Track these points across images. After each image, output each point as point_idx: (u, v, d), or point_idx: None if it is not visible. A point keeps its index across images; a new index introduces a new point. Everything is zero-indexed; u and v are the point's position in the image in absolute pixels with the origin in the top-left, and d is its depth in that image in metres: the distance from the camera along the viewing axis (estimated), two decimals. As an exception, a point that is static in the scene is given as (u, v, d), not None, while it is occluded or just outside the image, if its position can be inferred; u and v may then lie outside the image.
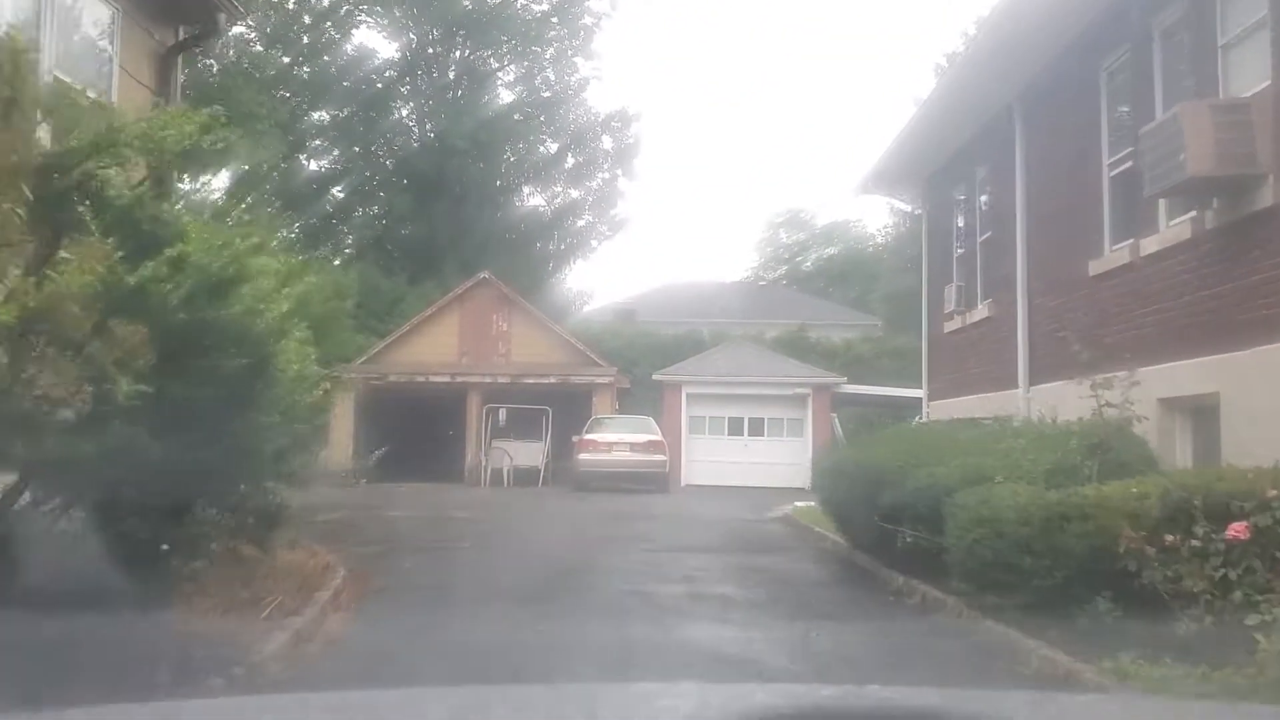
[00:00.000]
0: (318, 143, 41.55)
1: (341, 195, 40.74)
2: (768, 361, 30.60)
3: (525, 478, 27.44)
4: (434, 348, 29.67)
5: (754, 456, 29.27)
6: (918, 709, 1.71)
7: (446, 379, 29.18)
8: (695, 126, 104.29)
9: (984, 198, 15.74)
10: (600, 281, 56.51)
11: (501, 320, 29.95)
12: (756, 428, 29.74)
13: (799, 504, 18.58)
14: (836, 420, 29.64)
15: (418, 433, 30.93)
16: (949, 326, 16.91)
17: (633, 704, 1.87)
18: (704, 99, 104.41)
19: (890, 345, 36.22)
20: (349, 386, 29.84)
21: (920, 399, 29.74)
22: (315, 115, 41.52)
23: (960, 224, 16.90)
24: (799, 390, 29.28)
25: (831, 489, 11.55)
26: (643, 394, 32.47)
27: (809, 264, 75.91)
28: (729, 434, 29.71)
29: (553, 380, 28.73)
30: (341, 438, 28.96)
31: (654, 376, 30.17)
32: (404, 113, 41.08)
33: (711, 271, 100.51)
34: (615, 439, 24.35)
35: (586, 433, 24.97)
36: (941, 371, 17.51)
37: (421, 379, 29.13)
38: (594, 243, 43.61)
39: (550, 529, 14.73)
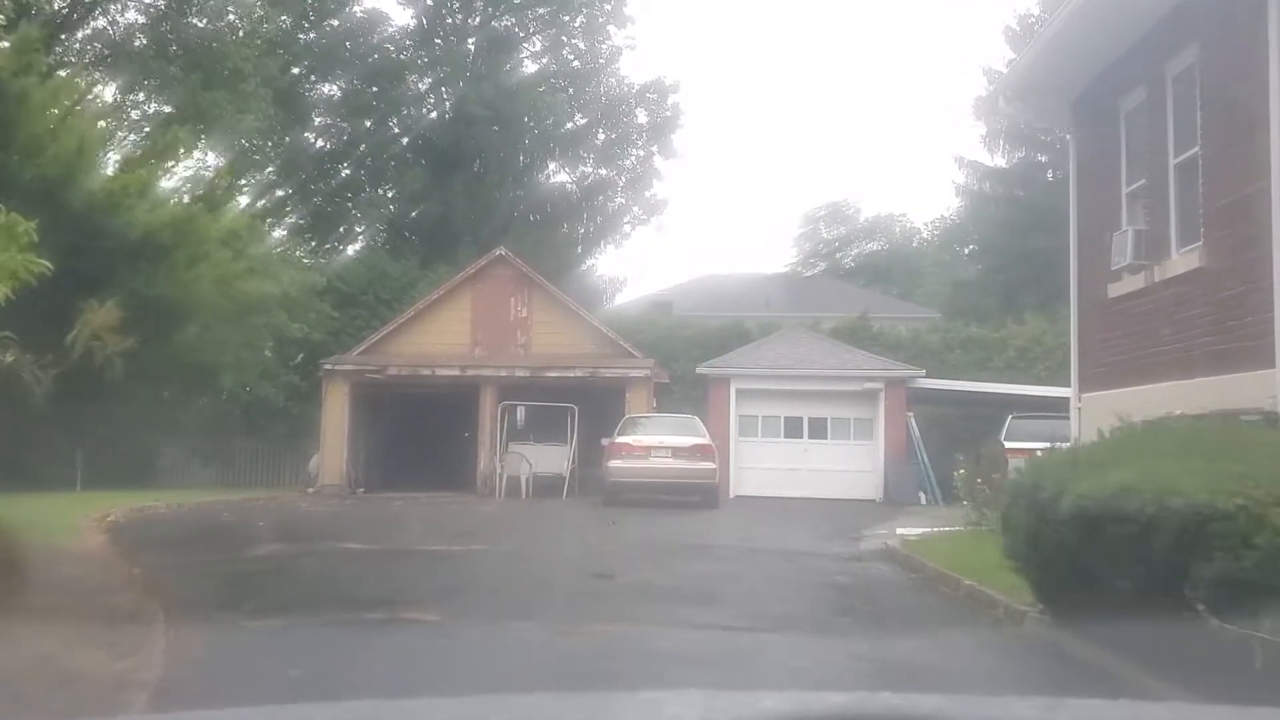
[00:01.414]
0: (324, 119, 36.97)
1: (349, 172, 36.10)
2: (830, 351, 25.63)
3: (547, 487, 22.63)
4: (442, 336, 24.93)
5: (815, 462, 24.33)
6: (926, 715, 1.66)
7: (456, 372, 24.41)
8: (732, 110, 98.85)
9: (1189, 93, 10.65)
10: (633, 270, 51.08)
11: (520, 304, 25.14)
12: (818, 429, 24.77)
13: (903, 530, 13.66)
14: (913, 420, 24.61)
15: (423, 434, 26.24)
16: (1117, 290, 11.90)
17: (640, 711, 1.84)
18: (742, 82, 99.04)
19: (962, 335, 31.12)
20: (343, 380, 25.28)
21: (1025, 396, 24.97)
22: (324, 88, 37.03)
23: (1138, 144, 11.84)
24: (869, 385, 24.29)
25: (1041, 532, 6.51)
26: (683, 391, 27.56)
27: (850, 259, 71.04)
28: (785, 436, 24.76)
29: (580, 374, 23.88)
30: (335, 440, 24.30)
31: (698, 370, 25.26)
32: (419, 84, 36.33)
33: (749, 264, 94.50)
34: (654, 442, 19.46)
35: (619, 435, 20.08)
36: (1103, 353, 12.48)
37: (427, 372, 24.38)
38: (626, 227, 38.82)
39: (565, 578, 9.81)
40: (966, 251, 62.89)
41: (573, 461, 22.99)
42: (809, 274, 52.17)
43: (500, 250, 25.62)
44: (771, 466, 24.14)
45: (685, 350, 29.91)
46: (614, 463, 19.32)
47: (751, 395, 24.69)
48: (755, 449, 24.28)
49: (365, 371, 24.62)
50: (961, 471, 13.66)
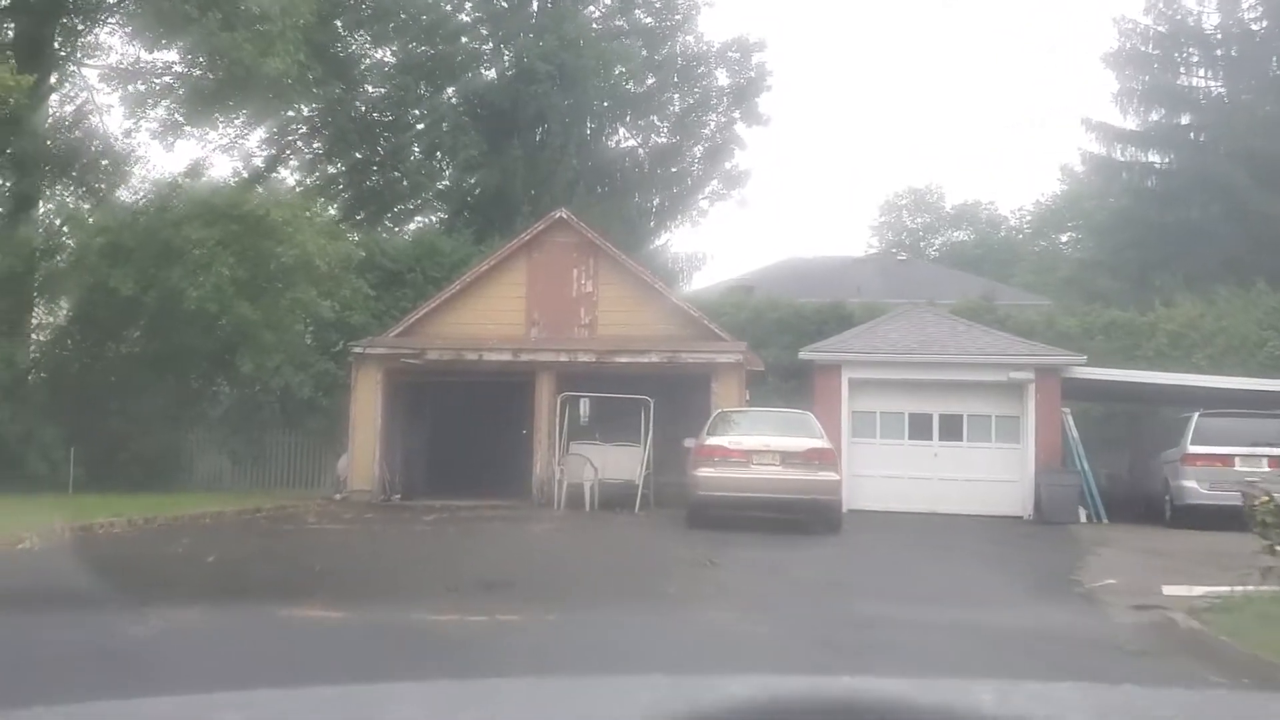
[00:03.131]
0: (376, 89, 32.58)
1: (402, 142, 31.59)
2: (964, 334, 20.43)
3: (616, 497, 17.84)
4: (492, 314, 20.23)
5: (948, 470, 19.21)
6: (886, 699, 1.58)
7: (508, 356, 19.69)
8: (814, 85, 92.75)
9: None
10: (710, 250, 45.11)
11: (584, 276, 20.31)
12: (951, 428, 19.61)
13: (1171, 588, 8.59)
14: (1069, 418, 19.37)
15: (470, 431, 21.58)
16: None
17: (608, 696, 1.78)
18: (820, 61, 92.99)
19: (1103, 320, 25.75)
20: (375, 366, 20.69)
21: (1217, 389, 19.53)
22: (376, 53, 32.64)
23: None
24: (1016, 375, 19.08)
25: None
26: (776, 383, 22.58)
27: (935, 249, 65.60)
28: (910, 437, 19.62)
29: (655, 359, 19.00)
30: (366, 437, 19.70)
31: (801, 354, 20.21)
32: (477, 38, 31.59)
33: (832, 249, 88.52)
34: (756, 445, 14.43)
35: (709, 435, 15.06)
36: None
37: (474, 356, 19.68)
38: (704, 202, 33.82)
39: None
40: (1064, 239, 57.38)
41: (647, 466, 18.12)
42: (902, 257, 46.59)
43: (561, 212, 20.78)
44: (893, 474, 19.05)
45: (775, 335, 24.93)
46: (703, 471, 14.33)
47: (868, 387, 19.56)
48: (873, 453, 19.18)
49: (401, 355, 19.98)
50: (1268, 497, 8.43)
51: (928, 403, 19.56)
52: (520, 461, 20.24)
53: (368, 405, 19.94)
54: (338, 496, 19.92)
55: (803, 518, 14.47)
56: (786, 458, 14.20)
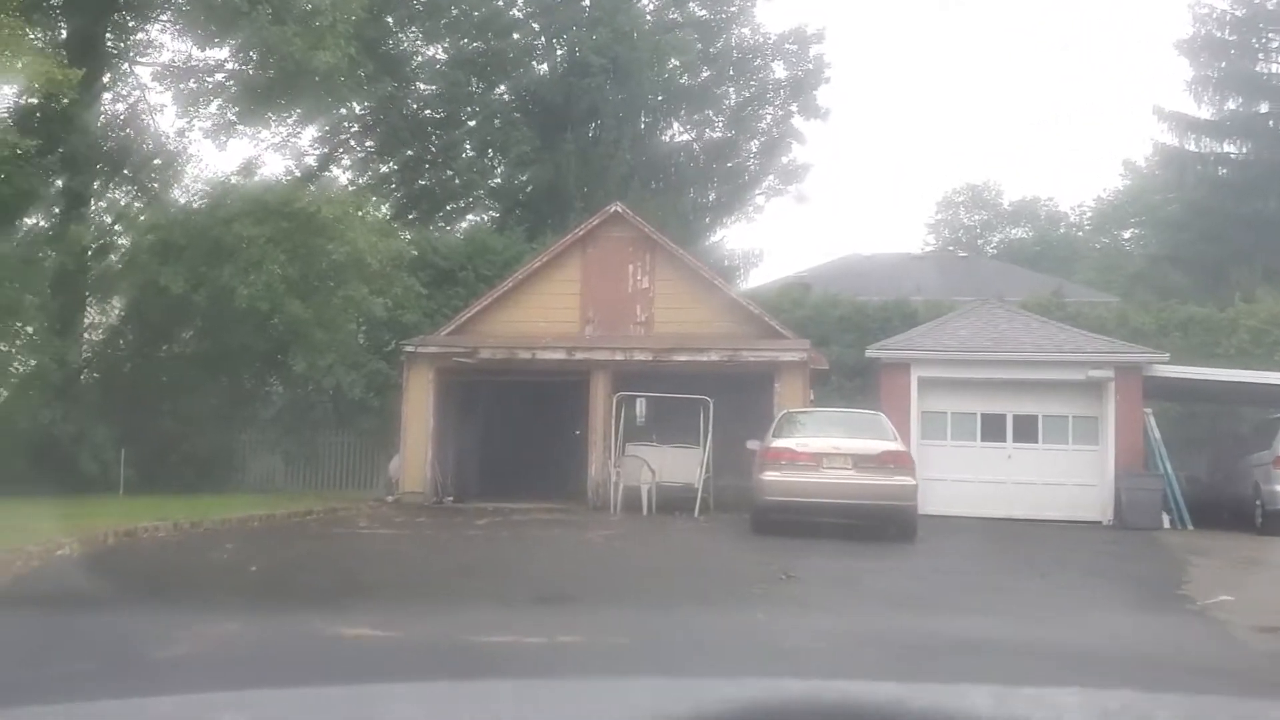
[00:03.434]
0: (428, 88, 32.12)
1: (453, 139, 31.08)
2: (1039, 331, 19.43)
3: (674, 500, 17.11)
4: (546, 312, 19.59)
5: (1022, 473, 18.25)
6: (885, 702, 1.58)
7: (562, 355, 19.01)
8: (870, 79, 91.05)
9: None
10: (767, 246, 43.95)
11: (640, 272, 19.59)
12: (1026, 429, 18.63)
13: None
14: (1151, 419, 18.31)
15: (524, 431, 20.96)
16: None
17: (603, 697, 1.74)
18: (883, 51, 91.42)
19: (1180, 316, 24.59)
20: (427, 365, 20.08)
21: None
22: (428, 50, 32.20)
23: None
24: (1095, 373, 18.07)
25: None
26: (841, 382, 21.77)
27: (992, 246, 64.05)
28: (983, 439, 18.67)
29: (715, 357, 18.23)
30: (418, 438, 19.14)
31: (869, 352, 19.34)
32: (529, 31, 30.96)
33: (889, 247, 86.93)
34: (826, 448, 13.58)
35: (775, 437, 14.23)
36: None
37: (527, 354, 19.04)
38: (759, 198, 32.95)
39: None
40: (1127, 235, 55.68)
41: (707, 469, 17.36)
42: (963, 254, 45.34)
43: (616, 206, 20.08)
44: (965, 478, 18.11)
45: (836, 333, 24.10)
46: (769, 475, 13.51)
47: (938, 386, 18.64)
48: (944, 455, 18.25)
49: (453, 354, 19.38)
50: None
51: (1001, 403, 18.60)
52: (574, 463, 19.59)
53: (419, 405, 19.37)
54: (390, 498, 19.38)
55: (871, 522, 13.63)
56: (859, 461, 13.35)
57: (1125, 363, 18.24)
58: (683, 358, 18.23)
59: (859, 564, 10.85)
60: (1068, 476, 18.10)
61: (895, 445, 13.85)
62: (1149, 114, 42.61)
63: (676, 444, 17.72)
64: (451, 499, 19.35)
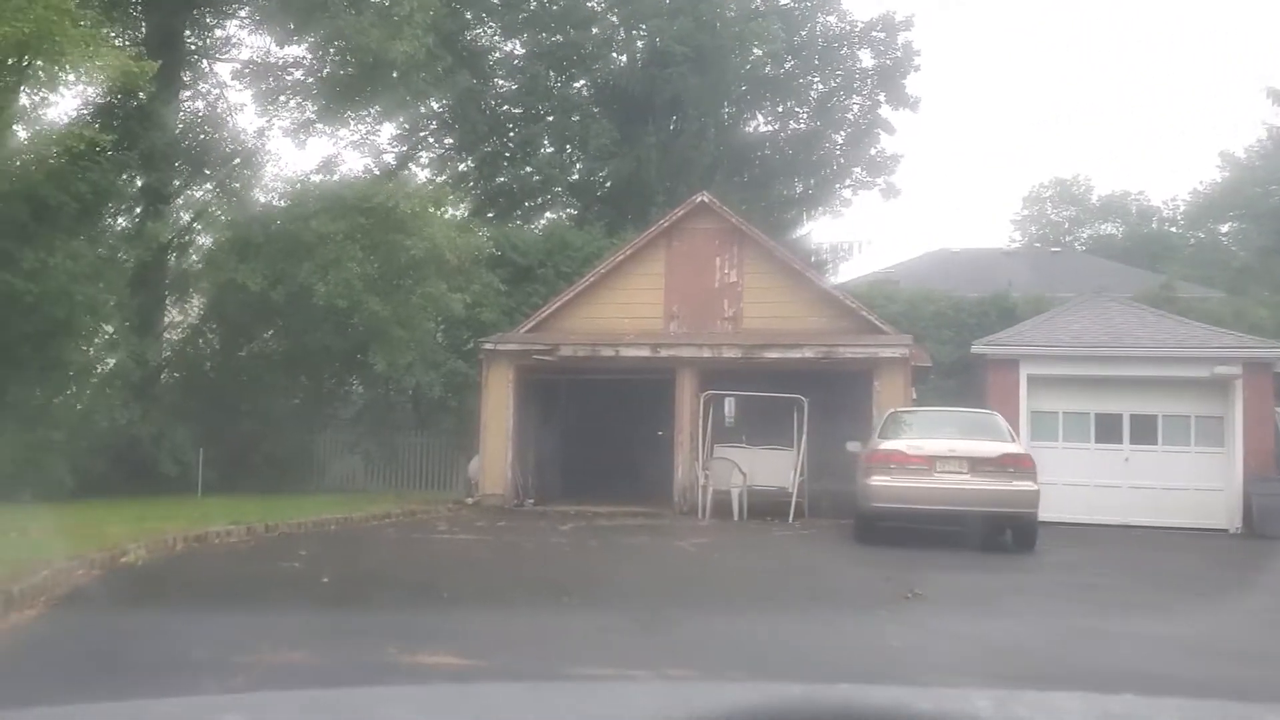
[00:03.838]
0: (506, 84, 31.46)
1: (532, 134, 30.34)
2: (1156, 325, 17.99)
3: (765, 505, 16.11)
4: (629, 307, 18.68)
5: (1140, 476, 16.88)
6: (884, 706, 1.61)
7: (646, 352, 18.09)
8: (955, 68, 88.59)
9: None
10: (855, 240, 42.36)
11: (728, 265, 18.58)
12: (1144, 430, 17.24)
13: None
14: (1284, 419, 16.83)
15: (606, 432, 20.10)
16: None
17: (606, 701, 1.72)
18: (962, 40, 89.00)
19: (1304, 308, 22.86)
20: (506, 363, 19.27)
21: None
22: (506, 45, 31.55)
23: None
24: (1222, 370, 16.62)
25: None
26: (938, 380, 20.50)
27: (1081, 243, 61.74)
28: (1097, 441, 17.33)
29: (809, 354, 17.15)
30: (497, 438, 18.38)
31: (974, 348, 18.11)
32: (607, 30, 30.08)
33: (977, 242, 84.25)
34: (940, 450, 12.42)
35: (882, 438, 13.09)
36: None
37: (609, 352, 18.15)
38: (846, 191, 31.67)
39: None
40: (1224, 229, 53.10)
41: (801, 472, 16.28)
42: (1055, 249, 43.50)
43: (702, 196, 19.09)
44: (1078, 482, 16.78)
45: (932, 329, 22.81)
46: (876, 479, 12.40)
47: (1049, 384, 17.33)
48: (1055, 458, 16.87)
49: (533, 351, 18.57)
50: None
51: (1117, 401, 17.24)
52: (658, 465, 18.66)
53: (499, 404, 18.60)
54: (469, 501, 18.65)
55: (989, 529, 12.47)
56: (976, 465, 12.19)
57: (1255, 359, 16.77)
58: (775, 354, 17.19)
59: (986, 579, 9.72)
60: (1190, 481, 16.69)
61: (1015, 447, 12.66)
62: (1260, 98, 40.36)
63: (768, 445, 16.69)
64: (532, 501, 18.58)
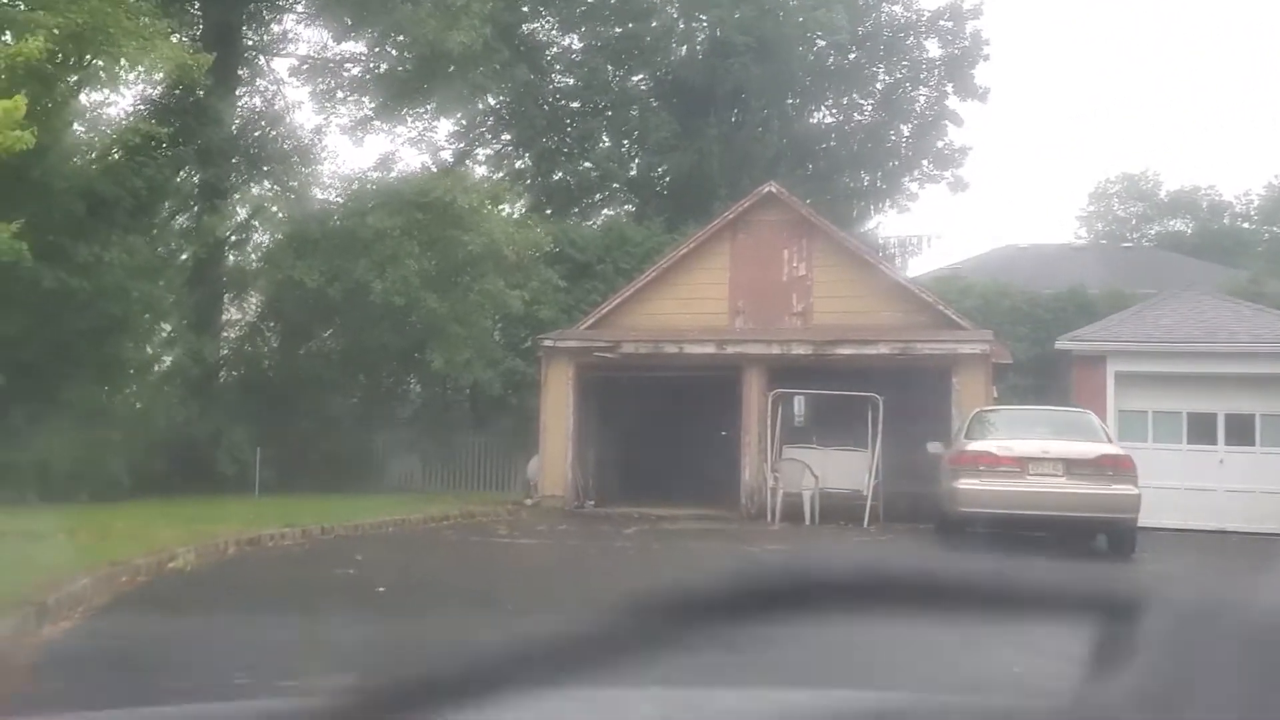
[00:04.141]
0: (563, 80, 30.92)
1: (590, 129, 29.75)
2: (1253, 320, 16.90)
3: (838, 508, 15.30)
4: (692, 303, 17.96)
5: (1236, 479, 15.85)
6: (883, 709, 1.51)
7: (711, 349, 17.37)
8: (1019, 57, 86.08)
9: None
10: (923, 234, 41.02)
11: (797, 258, 17.78)
12: (1240, 430, 16.19)
13: None
14: (1395, 420, 15.67)
15: (669, 432, 19.39)
16: None
17: (600, 708, 1.60)
18: (1030, 28, 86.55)
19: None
20: (566, 361, 18.66)
21: None
22: (564, 40, 31.01)
23: None
24: (1328, 366, 15.49)
25: None
26: (1015, 378, 19.49)
27: (1149, 240, 59.91)
28: (1189, 441, 16.28)
29: (886, 350, 16.31)
30: (557, 438, 17.74)
31: (1059, 344, 17.16)
32: (665, 22, 29.34)
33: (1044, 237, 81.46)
34: (1032, 451, 11.53)
35: (968, 439, 12.21)
36: None
37: (673, 349, 17.45)
38: (913, 185, 30.67)
39: None
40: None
41: (876, 474, 15.43)
42: (1127, 244, 42.04)
43: (770, 186, 18.30)
44: (1170, 485, 15.70)
45: (1008, 325, 21.81)
46: (964, 483, 11.53)
47: (1138, 381, 16.32)
48: (1144, 459, 15.62)
49: (594, 349, 17.92)
50: None
51: (1211, 400, 16.19)
52: (721, 466, 17.91)
53: (559, 403, 17.97)
54: (528, 502, 18.04)
55: (1079, 534, 11.60)
56: (1072, 467, 11.30)
57: (1364, 355, 15.63)
58: (848, 351, 16.35)
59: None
60: (1290, 484, 15.59)
61: (1114, 448, 11.76)
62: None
63: (841, 446, 15.87)
64: (592, 503, 17.93)
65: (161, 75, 16.92)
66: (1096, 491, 11.14)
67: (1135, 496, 11.27)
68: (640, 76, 29.99)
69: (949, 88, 29.48)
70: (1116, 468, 11.36)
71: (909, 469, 15.08)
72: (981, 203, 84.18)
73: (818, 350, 16.65)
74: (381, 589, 8.14)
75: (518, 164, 32.57)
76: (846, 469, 15.56)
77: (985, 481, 11.36)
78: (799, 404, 16.47)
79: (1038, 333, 21.36)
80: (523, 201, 29.67)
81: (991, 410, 13.81)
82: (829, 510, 15.35)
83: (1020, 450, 11.50)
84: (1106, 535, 11.54)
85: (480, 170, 31.03)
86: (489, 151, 32.39)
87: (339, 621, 6.76)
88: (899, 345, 16.19)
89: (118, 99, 17.89)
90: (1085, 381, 16.30)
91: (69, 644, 5.96)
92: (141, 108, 18.69)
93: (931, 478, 13.81)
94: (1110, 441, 12.07)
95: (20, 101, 9.92)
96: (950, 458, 12.26)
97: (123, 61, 15.76)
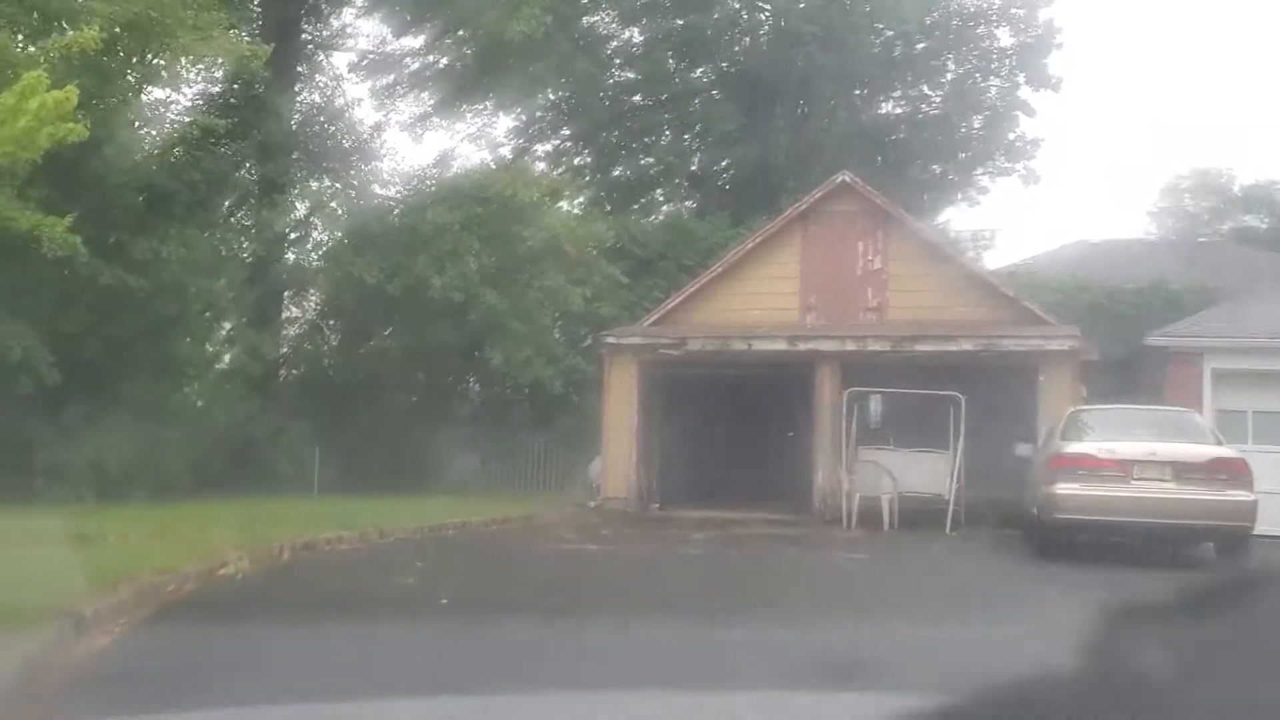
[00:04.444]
0: (624, 74, 30.28)
1: (652, 123, 29.09)
2: (1363, 313, 15.73)
3: (916, 513, 14.44)
4: (760, 298, 17.21)
5: (1345, 486, 14.62)
6: (884, 712, 1.56)
7: (781, 345, 16.59)
8: (1092, 49, 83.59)
9: None
10: (995, 228, 39.57)
11: (872, 251, 16.94)
12: (1349, 433, 15.02)
13: None
14: None
15: (736, 432, 18.66)
16: None
17: (604, 711, 1.69)
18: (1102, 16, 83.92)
19: None
20: (630, 358, 17.99)
21: None
22: (625, 33, 30.38)
23: None
24: None
25: None
26: (1101, 376, 18.42)
27: (1221, 236, 57.87)
28: (1293, 443, 15.16)
29: (968, 346, 15.43)
30: (621, 438, 17.08)
31: (1150, 340, 16.15)
32: (727, 13, 28.55)
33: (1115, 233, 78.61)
34: (1137, 453, 10.63)
35: (1064, 440, 11.32)
36: None
37: (741, 345, 16.72)
38: (984, 178, 29.61)
39: None
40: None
41: (958, 478, 14.55)
42: (1202, 238, 40.42)
43: (844, 175, 17.45)
44: (1269, 490, 14.59)
45: (1088, 321, 20.72)
46: (1064, 487, 10.64)
47: (1237, 379, 15.28)
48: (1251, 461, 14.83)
49: (659, 346, 17.23)
50: None
51: (1319, 400, 15.06)
52: (791, 467, 17.15)
53: (622, 402, 17.30)
54: (591, 504, 17.39)
55: (1190, 543, 10.69)
56: (1181, 471, 10.39)
57: None
58: (928, 348, 15.50)
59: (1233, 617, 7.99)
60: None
61: (1226, 451, 10.82)
62: None
63: (920, 448, 15.03)
64: (657, 506, 17.25)
65: (220, 69, 16.60)
66: (1209, 498, 10.23)
67: (1252, 503, 10.34)
68: (702, 69, 29.25)
69: (1021, 78, 28.36)
70: (1230, 472, 10.44)
71: (990, 471, 14.21)
72: (1047, 197, 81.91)
73: (895, 347, 15.80)
74: (444, 600, 7.52)
75: (577, 160, 32.03)
76: (926, 472, 14.72)
77: (1086, 486, 10.47)
78: (875, 404, 15.62)
79: (1119, 329, 20.30)
80: (583, 197, 29.11)
81: (1088, 410, 12.87)
82: (906, 514, 14.52)
83: (1124, 453, 10.60)
84: (1214, 543, 10.63)
85: (539, 167, 30.56)
86: (547, 148, 31.87)
87: (398, 638, 6.15)
88: (982, 341, 15.29)
89: (178, 98, 17.63)
90: (1179, 379, 15.30)
91: (103, 664, 5.41)
92: (199, 102, 18.40)
93: (1015, 481, 12.96)
94: (1220, 443, 11.13)
95: (72, 92, 9.49)
96: (1045, 460, 11.38)
97: (184, 60, 15.45)
